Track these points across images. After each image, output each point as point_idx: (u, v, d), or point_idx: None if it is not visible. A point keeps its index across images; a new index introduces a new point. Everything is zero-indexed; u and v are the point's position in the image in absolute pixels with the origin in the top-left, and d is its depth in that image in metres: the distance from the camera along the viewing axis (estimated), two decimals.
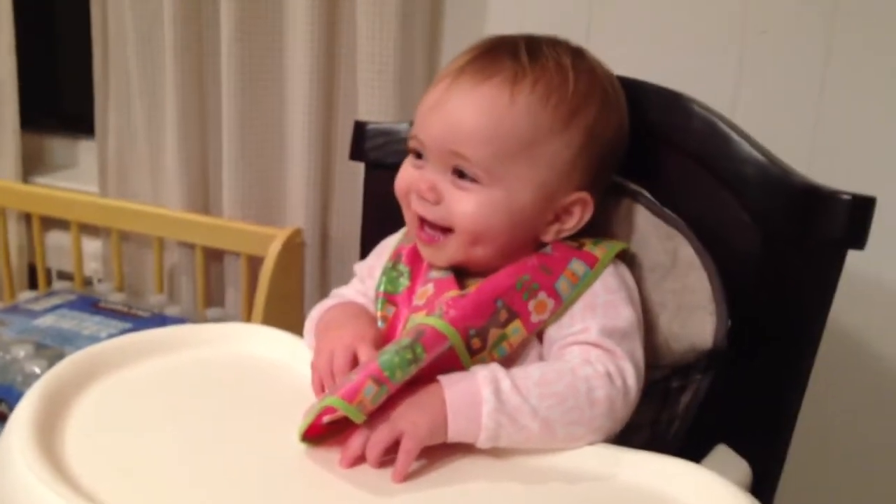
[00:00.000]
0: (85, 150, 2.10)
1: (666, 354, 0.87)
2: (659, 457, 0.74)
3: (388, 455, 0.72)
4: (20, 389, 1.49)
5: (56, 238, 2.02)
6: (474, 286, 0.81)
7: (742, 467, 0.85)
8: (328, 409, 0.72)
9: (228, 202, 1.69)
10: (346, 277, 1.70)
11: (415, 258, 0.89)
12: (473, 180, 0.81)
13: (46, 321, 1.67)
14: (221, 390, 0.86)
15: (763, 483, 0.85)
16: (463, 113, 0.80)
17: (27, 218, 2.00)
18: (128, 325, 1.67)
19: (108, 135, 1.84)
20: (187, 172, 1.73)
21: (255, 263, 1.69)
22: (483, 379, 0.73)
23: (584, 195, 0.83)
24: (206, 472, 0.72)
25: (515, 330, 0.79)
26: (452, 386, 0.73)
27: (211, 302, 1.82)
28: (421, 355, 0.73)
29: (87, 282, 1.99)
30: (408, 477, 0.71)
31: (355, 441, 0.73)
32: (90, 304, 1.76)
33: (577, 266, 0.81)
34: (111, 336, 1.61)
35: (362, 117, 1.49)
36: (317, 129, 1.59)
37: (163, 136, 1.76)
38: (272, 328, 0.96)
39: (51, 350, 1.57)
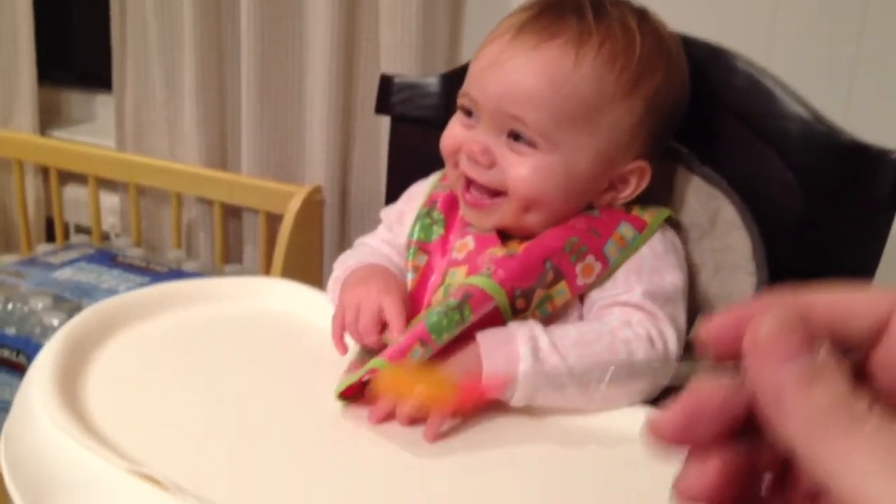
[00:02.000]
0: (102, 104, 2.07)
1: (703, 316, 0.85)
2: None
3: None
4: (38, 341, 1.48)
5: (74, 192, 2.00)
6: (520, 245, 0.79)
7: None
8: (373, 371, 0.70)
9: (247, 159, 1.67)
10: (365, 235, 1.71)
11: (450, 206, 0.86)
12: (530, 144, 0.77)
13: (65, 274, 1.66)
14: (242, 344, 0.84)
15: None
16: (523, 74, 0.76)
17: (45, 171, 1.98)
18: (146, 280, 1.65)
19: (125, 90, 1.82)
20: (205, 130, 1.71)
21: (273, 221, 1.67)
22: (521, 336, 0.71)
23: (643, 164, 0.80)
24: (227, 425, 0.70)
25: (560, 291, 0.77)
26: (489, 343, 0.72)
27: (229, 259, 1.81)
28: (468, 317, 0.71)
29: (105, 236, 1.98)
30: (439, 436, 0.69)
31: (386, 398, 0.71)
32: (108, 259, 1.74)
33: (626, 230, 0.79)
34: (129, 290, 1.59)
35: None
36: (337, 85, 1.56)
37: (181, 93, 1.73)
38: (294, 282, 0.94)
39: (69, 303, 1.56)
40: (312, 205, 1.62)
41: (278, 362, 0.81)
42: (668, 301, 0.76)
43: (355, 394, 0.73)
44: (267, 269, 1.68)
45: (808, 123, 0.82)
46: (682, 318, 0.77)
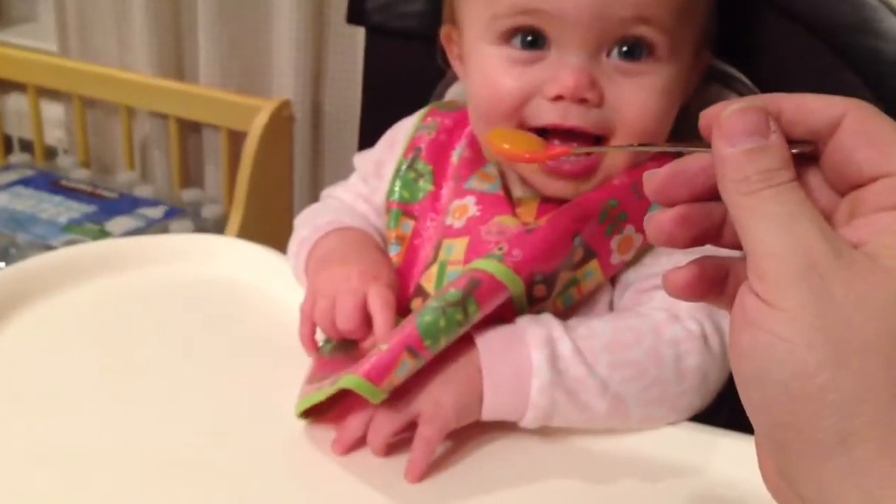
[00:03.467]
0: (43, 2, 1.88)
1: None
2: None
3: (399, 436, 0.54)
4: None
5: (15, 102, 1.82)
6: (535, 211, 0.60)
7: None
8: (341, 392, 0.52)
9: (205, 67, 1.51)
10: (340, 158, 1.53)
11: (439, 153, 0.67)
12: (649, 56, 0.57)
13: None
14: (181, 327, 0.67)
15: None
16: None
17: None
18: (92, 208, 1.48)
19: None
20: (157, 31, 1.54)
21: (237, 139, 1.51)
22: (534, 339, 0.53)
23: (707, 53, 0.63)
24: (141, 445, 0.54)
25: (589, 273, 0.58)
26: (492, 349, 0.54)
27: (188, 182, 1.64)
28: (473, 314, 0.53)
29: (51, 153, 1.78)
30: (425, 474, 0.52)
31: (355, 419, 0.54)
32: (49, 182, 1.55)
33: None
34: (72, 221, 1.42)
35: None
36: None
37: None
38: (254, 244, 0.76)
39: (1, 236, 1.37)
40: (281, 121, 1.46)
41: (223, 357, 0.64)
42: None
43: (321, 409, 0.56)
44: (231, 195, 1.50)
45: None
46: None
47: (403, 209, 0.66)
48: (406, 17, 0.83)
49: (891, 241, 0.32)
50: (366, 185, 0.72)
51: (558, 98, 0.56)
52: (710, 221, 0.36)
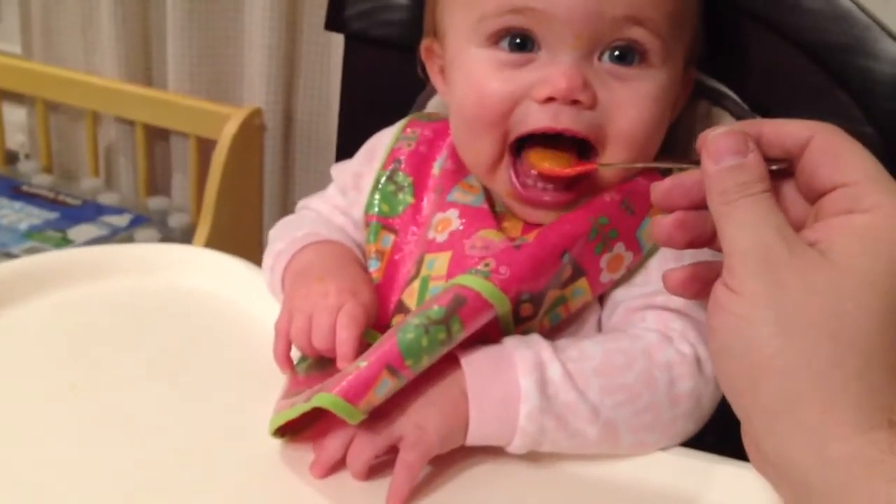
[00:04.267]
0: (6, 2, 1.82)
1: None
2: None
3: (380, 459, 0.51)
4: None
5: None
6: (520, 225, 0.58)
7: None
8: (318, 410, 0.50)
9: (174, 73, 1.48)
10: (311, 168, 1.51)
11: (419, 165, 0.64)
12: (642, 62, 0.56)
13: None
14: (145, 341, 0.64)
15: None
16: None
17: None
18: (54, 215, 1.44)
19: None
20: (125, 35, 1.51)
21: (206, 147, 1.48)
22: (522, 363, 0.51)
23: (693, 70, 0.62)
24: (120, 463, 0.51)
25: (578, 291, 0.56)
26: (478, 372, 0.51)
27: (154, 190, 1.60)
28: (457, 334, 0.51)
29: (13, 157, 1.73)
30: (408, 499, 0.49)
31: (334, 441, 0.51)
32: (10, 188, 1.52)
33: None
34: (32, 228, 1.38)
35: None
36: None
37: None
38: (224, 254, 0.73)
39: None
40: (251, 130, 1.43)
41: (193, 373, 0.61)
42: None
43: (298, 427, 0.53)
44: (199, 204, 1.47)
45: None
46: None
47: (383, 223, 0.63)
48: (386, 25, 0.81)
49: (840, 239, 0.39)
50: (344, 197, 0.70)
51: (549, 100, 0.54)
52: (703, 227, 0.44)
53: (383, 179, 0.65)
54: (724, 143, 0.41)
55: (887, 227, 0.39)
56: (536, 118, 0.55)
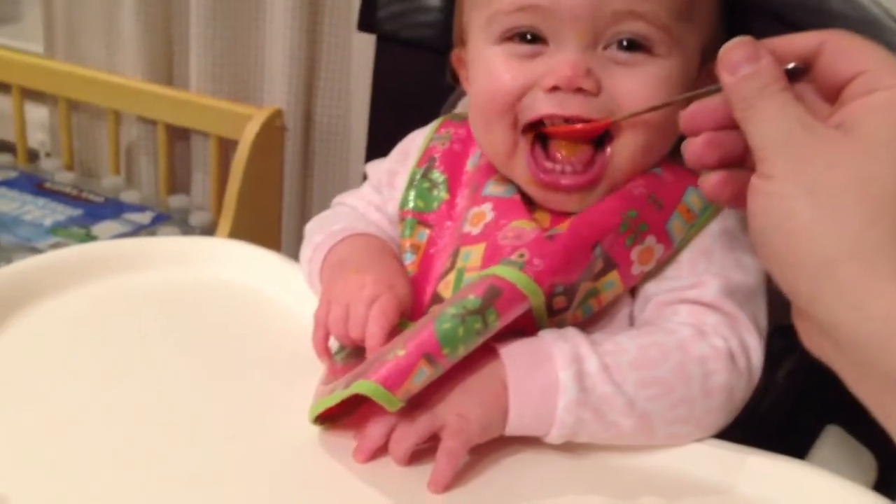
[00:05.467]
0: (29, 2, 1.85)
1: (771, 308, 0.66)
2: (789, 463, 0.54)
3: (421, 447, 0.53)
4: None
5: None
6: (551, 216, 0.60)
7: (865, 459, 0.66)
8: (357, 398, 0.51)
9: (196, 74, 1.49)
10: (331, 169, 1.52)
11: (453, 163, 0.66)
12: (647, 50, 0.57)
13: None
14: (181, 332, 0.65)
15: (888, 477, 0.67)
16: None
17: None
18: (78, 212, 1.45)
19: None
20: (147, 35, 1.51)
21: (226, 147, 1.50)
22: (561, 356, 0.52)
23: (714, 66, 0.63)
24: (156, 457, 0.52)
25: (610, 284, 0.58)
26: (518, 365, 0.53)
27: (174, 188, 1.61)
28: (492, 324, 0.52)
29: (33, 155, 1.75)
30: (450, 485, 0.51)
31: (376, 427, 0.53)
32: (34, 184, 1.53)
33: (694, 198, 0.59)
34: (57, 224, 1.39)
35: None
36: None
37: None
38: (259, 247, 0.74)
39: None
40: (272, 131, 1.44)
41: (231, 362, 0.62)
42: (748, 297, 0.58)
43: (337, 414, 0.54)
44: (219, 203, 1.48)
45: None
46: (763, 318, 0.59)
47: (418, 218, 0.65)
48: (418, 27, 0.83)
49: (862, 115, 0.42)
50: (378, 194, 0.71)
51: (555, 89, 0.56)
52: (732, 145, 0.46)
53: (418, 177, 0.67)
54: (737, 53, 0.44)
55: None
56: (543, 105, 0.57)
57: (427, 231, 0.64)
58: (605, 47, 0.57)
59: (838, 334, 0.41)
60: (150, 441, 0.53)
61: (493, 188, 0.62)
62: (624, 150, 0.58)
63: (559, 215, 0.60)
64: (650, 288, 0.59)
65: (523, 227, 0.58)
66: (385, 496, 0.50)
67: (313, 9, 1.39)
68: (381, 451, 0.53)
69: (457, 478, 0.51)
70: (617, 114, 0.57)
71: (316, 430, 0.55)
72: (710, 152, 0.46)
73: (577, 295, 0.56)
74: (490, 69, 0.60)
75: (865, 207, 0.40)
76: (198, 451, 0.53)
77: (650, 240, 0.58)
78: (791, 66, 0.45)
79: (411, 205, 0.65)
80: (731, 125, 0.45)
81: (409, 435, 0.51)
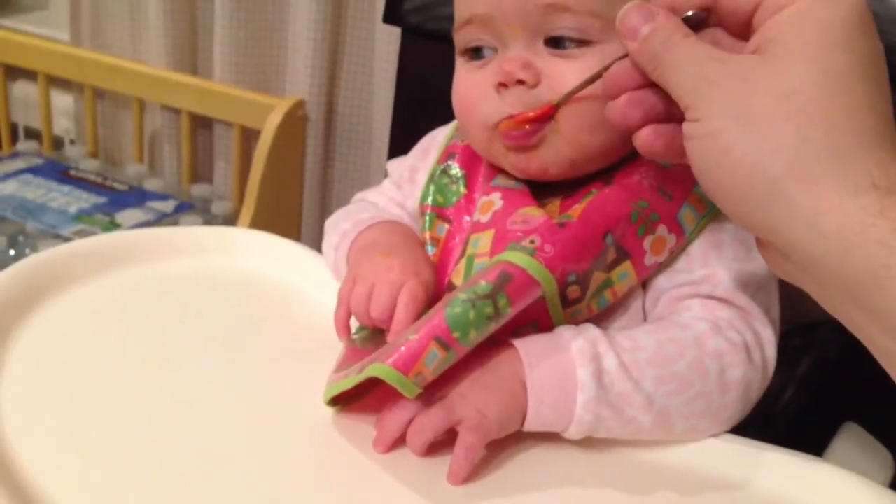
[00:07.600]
0: None
1: (787, 307, 0.66)
2: (806, 460, 0.54)
3: (438, 439, 0.53)
4: None
5: (23, 89, 1.79)
6: (562, 205, 0.60)
7: (883, 456, 0.66)
8: (372, 381, 0.52)
9: (220, 63, 1.49)
10: (352, 160, 1.53)
11: (472, 158, 0.66)
12: (581, 42, 0.57)
13: (7, 188, 1.46)
14: (205, 320, 0.66)
15: None
16: None
17: None
18: (102, 199, 1.47)
19: None
20: (173, 25, 1.52)
21: (248, 136, 1.51)
22: (579, 353, 0.53)
23: None
24: (184, 440, 0.53)
25: (623, 274, 0.58)
26: (536, 362, 0.53)
27: (197, 177, 1.62)
28: (504, 310, 0.52)
29: (58, 142, 1.76)
30: (468, 478, 0.51)
31: (395, 418, 0.53)
32: (58, 172, 1.54)
33: None
34: (82, 211, 1.41)
35: None
36: None
37: None
38: (281, 237, 0.75)
39: (11, 224, 1.36)
40: (295, 121, 1.45)
41: (251, 349, 0.63)
42: (760, 289, 0.58)
43: (351, 398, 0.55)
44: (241, 192, 1.49)
45: None
46: (776, 309, 0.59)
47: (438, 213, 0.65)
48: (444, 19, 0.83)
49: (772, 33, 0.42)
50: (399, 190, 0.72)
51: (501, 87, 0.57)
52: (653, 102, 0.47)
53: (438, 172, 0.67)
54: (632, 18, 0.46)
55: (812, 7, 0.41)
56: (497, 109, 0.58)
57: (446, 225, 0.64)
58: (546, 44, 0.57)
59: (797, 255, 0.41)
60: (172, 426, 0.54)
61: (502, 180, 0.63)
62: (567, 123, 0.57)
63: (567, 204, 0.60)
64: (661, 281, 0.59)
65: (531, 212, 0.59)
66: (404, 485, 0.51)
67: (337, 0, 1.40)
68: (400, 441, 0.54)
69: (474, 470, 0.52)
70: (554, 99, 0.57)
71: (336, 417, 0.56)
72: (632, 111, 0.47)
73: (590, 284, 0.56)
74: (457, 83, 0.62)
75: (795, 122, 0.40)
76: (220, 436, 0.54)
77: (662, 229, 0.58)
78: (690, 13, 0.45)
79: (430, 199, 0.66)
80: (651, 83, 0.46)
81: (426, 428, 0.52)
